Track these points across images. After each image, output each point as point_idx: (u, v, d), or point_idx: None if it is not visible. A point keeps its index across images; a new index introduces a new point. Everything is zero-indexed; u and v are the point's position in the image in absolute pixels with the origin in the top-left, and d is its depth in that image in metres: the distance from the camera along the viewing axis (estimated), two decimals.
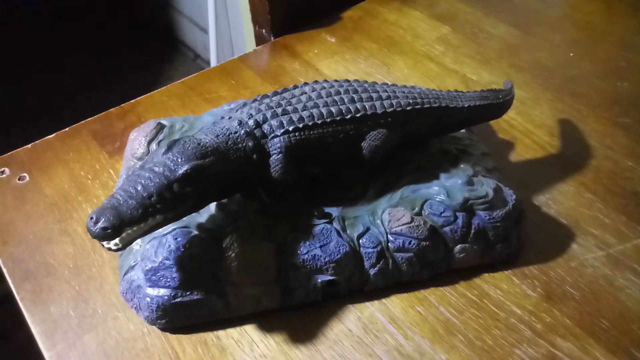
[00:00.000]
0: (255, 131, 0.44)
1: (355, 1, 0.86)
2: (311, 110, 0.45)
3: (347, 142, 0.47)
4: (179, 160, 0.40)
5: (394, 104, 0.48)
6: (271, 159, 0.44)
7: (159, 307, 0.44)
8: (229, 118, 0.45)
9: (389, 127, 0.48)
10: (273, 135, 0.44)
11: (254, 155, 0.44)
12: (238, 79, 0.73)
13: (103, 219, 0.37)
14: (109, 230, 0.37)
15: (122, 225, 0.37)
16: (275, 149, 0.44)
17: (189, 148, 0.41)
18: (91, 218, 0.37)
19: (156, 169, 0.40)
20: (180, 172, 0.40)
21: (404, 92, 0.49)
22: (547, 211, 0.54)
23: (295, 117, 0.45)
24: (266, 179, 0.45)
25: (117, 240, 0.38)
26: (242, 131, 0.44)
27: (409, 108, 0.48)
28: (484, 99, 0.53)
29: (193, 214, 0.46)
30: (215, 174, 0.42)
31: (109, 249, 0.38)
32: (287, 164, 0.44)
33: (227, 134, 0.43)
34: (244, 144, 0.44)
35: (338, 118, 0.46)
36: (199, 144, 0.42)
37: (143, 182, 0.39)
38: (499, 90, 0.55)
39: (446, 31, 0.80)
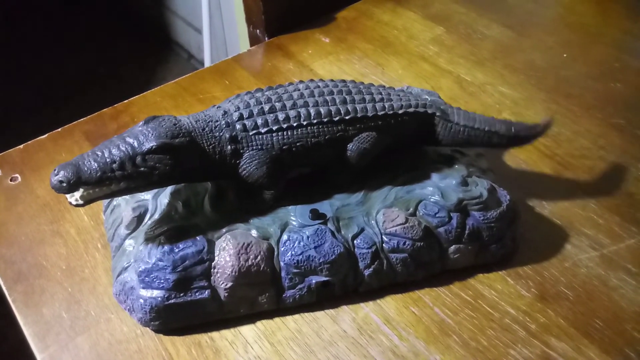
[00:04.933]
0: (236, 124, 0.44)
1: (349, 2, 0.86)
2: (299, 110, 0.45)
3: (334, 144, 0.46)
4: (150, 135, 0.42)
5: (386, 106, 0.47)
6: (247, 154, 0.44)
7: (152, 308, 0.44)
8: (218, 107, 0.46)
9: (379, 131, 0.47)
10: (256, 132, 0.44)
11: (229, 147, 0.44)
12: (232, 80, 0.72)
13: (62, 173, 0.39)
14: (64, 184, 0.39)
15: (78, 182, 0.40)
16: (256, 145, 0.44)
17: (164, 126, 0.42)
18: (54, 170, 0.40)
19: (128, 139, 0.42)
20: (146, 147, 0.41)
21: (398, 96, 0.49)
22: (541, 211, 0.54)
23: (281, 116, 0.44)
24: (236, 173, 0.45)
25: (77, 196, 0.40)
26: (223, 121, 0.44)
27: (400, 111, 0.47)
28: (488, 125, 0.49)
29: (188, 215, 0.46)
30: (182, 156, 0.42)
31: (70, 203, 0.41)
32: (262, 161, 0.44)
33: (207, 121, 0.44)
34: (221, 133, 0.44)
35: (325, 119, 0.45)
36: (175, 124, 0.43)
37: (111, 148, 0.41)
38: (518, 123, 0.49)
39: (440, 32, 0.80)
